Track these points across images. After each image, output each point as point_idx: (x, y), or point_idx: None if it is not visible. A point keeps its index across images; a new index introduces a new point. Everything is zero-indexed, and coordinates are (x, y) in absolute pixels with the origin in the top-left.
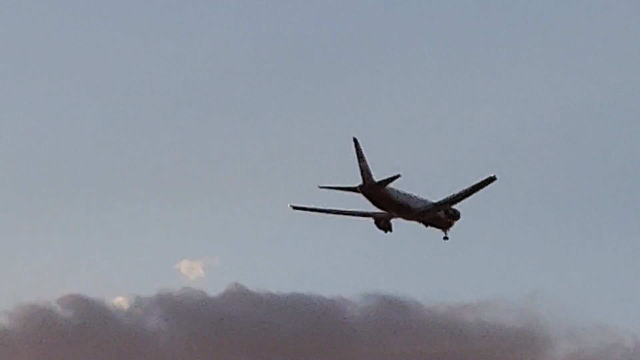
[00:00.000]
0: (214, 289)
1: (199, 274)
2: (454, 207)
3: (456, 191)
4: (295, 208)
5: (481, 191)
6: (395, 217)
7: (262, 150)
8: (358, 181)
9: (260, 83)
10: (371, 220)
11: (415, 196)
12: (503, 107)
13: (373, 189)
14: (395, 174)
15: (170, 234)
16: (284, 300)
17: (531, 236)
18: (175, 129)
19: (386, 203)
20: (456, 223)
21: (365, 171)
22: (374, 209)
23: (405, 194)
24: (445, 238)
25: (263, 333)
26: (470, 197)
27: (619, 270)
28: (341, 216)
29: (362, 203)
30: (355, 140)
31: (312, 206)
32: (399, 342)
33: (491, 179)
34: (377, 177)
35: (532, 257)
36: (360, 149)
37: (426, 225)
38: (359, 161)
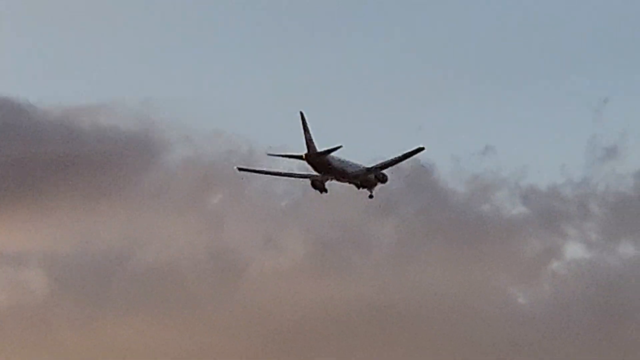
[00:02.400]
0: None
1: None
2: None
3: (387, 158)
4: (240, 169)
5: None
6: (331, 179)
7: None
8: (302, 150)
9: None
10: (308, 181)
11: (350, 162)
12: None
13: (316, 158)
14: (338, 145)
15: None
16: None
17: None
18: None
19: (326, 169)
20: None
21: (309, 141)
22: (312, 172)
23: (342, 161)
24: (370, 196)
25: None
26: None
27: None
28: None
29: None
30: (301, 113)
31: (258, 169)
32: (12, 144)
33: (419, 149)
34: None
35: (185, 61)
36: (306, 122)
37: (358, 187)
38: (305, 133)
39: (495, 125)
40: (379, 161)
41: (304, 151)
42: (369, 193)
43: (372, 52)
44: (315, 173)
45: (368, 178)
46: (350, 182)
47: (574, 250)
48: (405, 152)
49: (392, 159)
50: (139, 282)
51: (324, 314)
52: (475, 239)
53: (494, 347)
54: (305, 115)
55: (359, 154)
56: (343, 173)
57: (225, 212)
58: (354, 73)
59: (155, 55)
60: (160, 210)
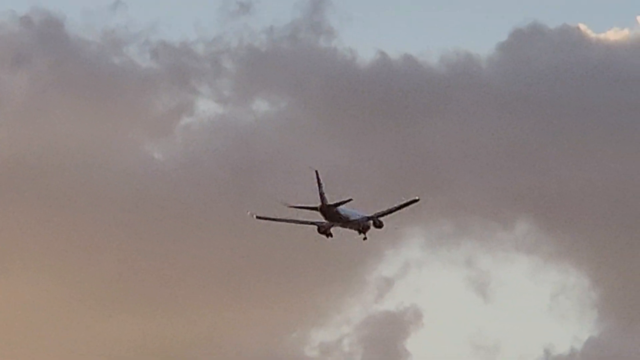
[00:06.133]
0: None
1: None
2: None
3: (384, 208)
4: (259, 218)
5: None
6: (336, 225)
7: None
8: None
9: None
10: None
11: (354, 212)
12: None
13: (329, 209)
14: (348, 198)
15: None
16: None
17: None
18: None
19: (335, 218)
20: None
21: (322, 195)
22: (320, 220)
23: (347, 210)
24: (365, 238)
25: None
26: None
27: None
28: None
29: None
30: (316, 172)
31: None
32: None
33: (414, 201)
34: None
35: None
36: (320, 179)
37: (359, 232)
38: (319, 188)
39: None
40: (377, 211)
41: (317, 203)
42: (364, 236)
43: None
44: (324, 221)
45: (367, 224)
46: (351, 228)
47: (207, 106)
48: (400, 203)
49: (389, 209)
50: None
51: None
52: (108, 94)
53: (131, 202)
54: (319, 173)
55: None
56: (348, 221)
57: None
58: None
59: None
60: None
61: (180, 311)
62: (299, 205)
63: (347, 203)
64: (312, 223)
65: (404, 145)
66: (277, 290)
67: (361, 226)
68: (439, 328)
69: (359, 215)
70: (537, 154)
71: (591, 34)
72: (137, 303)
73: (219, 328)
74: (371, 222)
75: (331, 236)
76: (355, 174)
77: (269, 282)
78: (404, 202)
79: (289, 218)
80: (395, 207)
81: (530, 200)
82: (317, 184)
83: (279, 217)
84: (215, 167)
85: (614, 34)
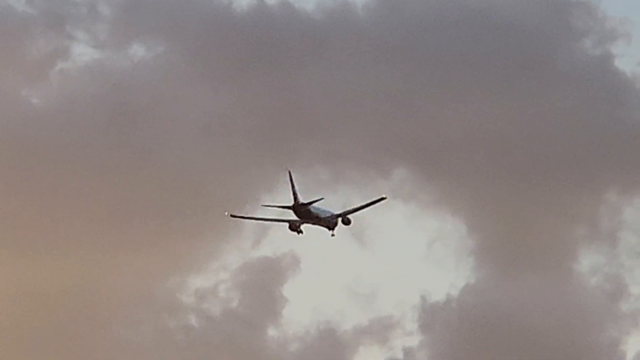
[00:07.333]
0: None
1: None
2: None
3: (352, 206)
4: (233, 216)
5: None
6: (306, 222)
7: None
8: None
9: None
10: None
11: (324, 209)
12: None
13: (301, 207)
14: (319, 198)
15: None
16: None
17: None
18: None
19: (307, 216)
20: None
21: (295, 194)
22: (291, 217)
23: (318, 208)
24: (332, 235)
25: None
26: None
27: None
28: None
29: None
30: (289, 172)
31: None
32: None
33: (381, 199)
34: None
35: None
36: (293, 180)
37: (329, 229)
38: (292, 188)
39: None
40: (346, 209)
41: (290, 202)
42: (332, 233)
43: None
44: (295, 218)
45: (335, 221)
46: (321, 225)
47: (84, 51)
48: (367, 202)
49: (357, 207)
50: None
51: None
52: None
53: (8, 146)
54: (292, 174)
55: None
56: (318, 218)
57: None
58: None
59: None
60: None
61: (55, 255)
62: (273, 204)
63: (318, 202)
64: (284, 221)
65: (281, 91)
66: (153, 235)
67: (330, 223)
68: (316, 274)
69: (328, 213)
70: (414, 102)
71: None
72: (11, 247)
73: (93, 273)
74: (339, 219)
75: (301, 232)
76: (232, 119)
77: (144, 227)
78: (371, 200)
79: (262, 217)
80: (362, 206)
81: (407, 148)
82: (290, 184)
83: (252, 216)
84: (92, 112)
85: None
